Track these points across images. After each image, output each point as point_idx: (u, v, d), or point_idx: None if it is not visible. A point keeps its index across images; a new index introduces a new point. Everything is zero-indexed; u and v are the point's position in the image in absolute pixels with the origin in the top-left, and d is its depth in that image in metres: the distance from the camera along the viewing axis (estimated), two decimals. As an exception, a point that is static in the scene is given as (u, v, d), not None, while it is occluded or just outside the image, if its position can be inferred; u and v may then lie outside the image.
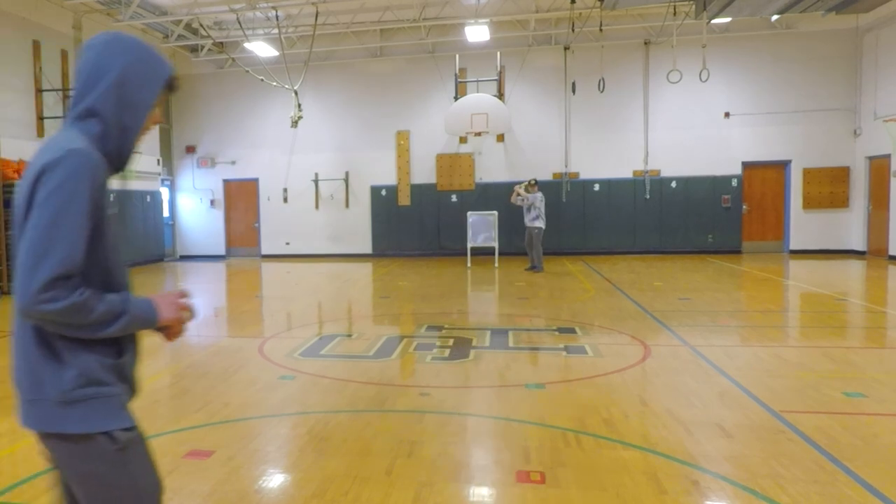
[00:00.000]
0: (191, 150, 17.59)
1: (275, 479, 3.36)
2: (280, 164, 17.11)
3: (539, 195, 12.32)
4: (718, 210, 15.53)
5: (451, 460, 3.53)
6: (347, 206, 16.93)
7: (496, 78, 14.97)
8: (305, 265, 15.33)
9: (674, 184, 15.64)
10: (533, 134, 15.99)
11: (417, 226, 16.54)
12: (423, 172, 16.48)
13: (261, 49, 14.70)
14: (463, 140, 15.81)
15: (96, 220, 1.50)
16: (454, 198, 16.32)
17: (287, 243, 17.14)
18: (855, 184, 14.98)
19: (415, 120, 16.44)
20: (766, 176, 15.65)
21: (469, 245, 13.66)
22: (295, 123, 14.97)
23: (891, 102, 13.46)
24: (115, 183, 1.58)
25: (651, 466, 3.38)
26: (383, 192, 16.69)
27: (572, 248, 15.85)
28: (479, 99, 14.14)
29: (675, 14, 12.38)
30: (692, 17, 12.05)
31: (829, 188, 15.11)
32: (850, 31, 14.75)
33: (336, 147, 16.77)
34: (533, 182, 12.63)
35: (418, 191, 16.50)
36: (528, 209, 12.36)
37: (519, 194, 12.52)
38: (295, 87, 14.28)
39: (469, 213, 13.89)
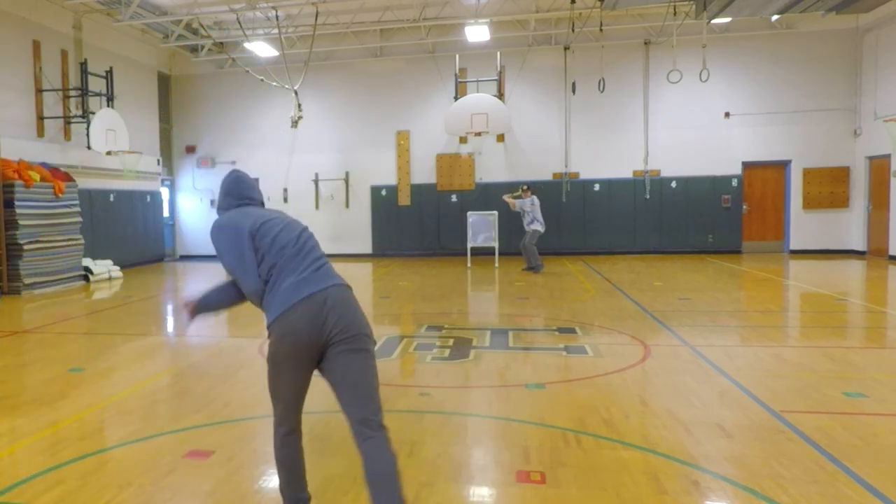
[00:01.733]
0: (191, 150, 17.60)
1: (275, 480, 3.34)
2: (280, 165, 17.11)
3: (528, 200, 12.38)
4: (718, 210, 15.53)
5: (451, 460, 3.54)
6: (347, 206, 16.94)
7: (496, 78, 14.97)
8: (305, 265, 15.30)
9: (674, 184, 15.64)
10: (533, 134, 15.99)
11: (417, 226, 16.54)
12: (423, 172, 16.49)
13: (261, 49, 14.70)
14: (463, 140, 15.81)
15: None
16: (454, 198, 16.32)
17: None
18: (855, 184, 14.98)
19: (415, 120, 16.44)
20: (766, 176, 15.65)
21: (469, 245, 13.66)
22: (295, 123, 14.98)
23: (891, 102, 13.46)
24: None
25: (651, 466, 3.38)
26: (383, 192, 16.69)
27: (572, 248, 15.86)
28: (479, 99, 14.14)
29: (675, 14, 12.38)
30: (692, 17, 12.04)
31: (829, 188, 15.11)
32: (850, 31, 14.75)
33: (336, 147, 16.77)
34: (524, 188, 12.73)
35: (418, 191, 16.50)
36: (523, 214, 12.43)
37: (508, 203, 12.66)
38: (295, 87, 14.28)
39: (469, 213, 13.89)
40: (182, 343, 7.30)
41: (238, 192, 2.85)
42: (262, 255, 2.62)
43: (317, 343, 2.50)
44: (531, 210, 12.35)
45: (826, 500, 2.98)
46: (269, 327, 2.55)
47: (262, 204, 2.92)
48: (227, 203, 2.85)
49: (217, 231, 2.72)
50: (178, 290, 11.96)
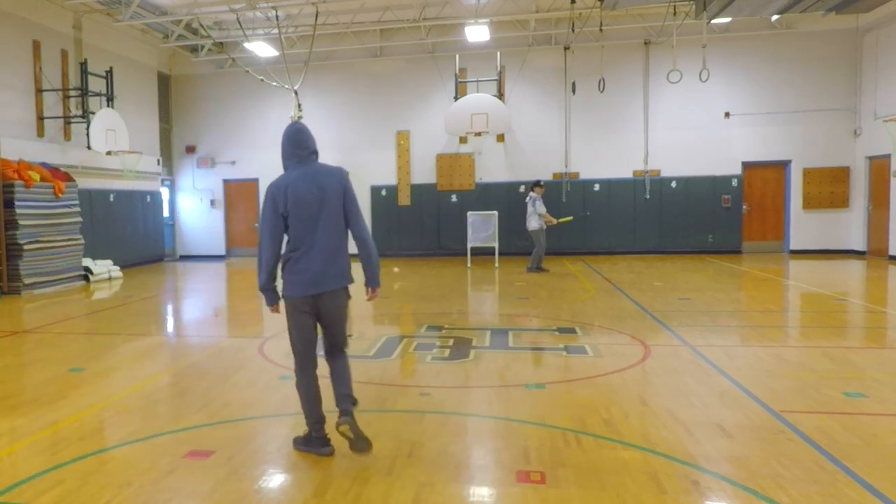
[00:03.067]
0: (191, 150, 17.59)
1: (275, 479, 3.36)
2: (280, 165, 17.06)
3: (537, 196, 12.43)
4: (718, 210, 15.52)
5: (451, 460, 3.54)
6: (347, 206, 16.90)
7: (496, 78, 14.97)
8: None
9: (674, 184, 15.64)
10: (533, 134, 15.99)
11: (417, 226, 16.54)
12: (423, 172, 16.49)
13: (261, 49, 14.70)
14: (463, 140, 15.81)
15: None
16: (454, 198, 16.32)
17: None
18: (855, 184, 14.98)
19: (415, 120, 16.44)
20: (766, 176, 15.65)
21: (469, 245, 13.66)
22: (295, 123, 14.94)
23: (891, 102, 13.46)
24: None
25: (651, 466, 3.38)
26: (383, 192, 16.69)
27: (572, 248, 15.85)
28: (479, 99, 14.13)
29: (675, 14, 12.38)
30: (692, 17, 12.04)
31: (829, 188, 15.11)
32: (850, 31, 14.75)
33: (336, 147, 16.75)
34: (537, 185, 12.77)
35: (418, 191, 16.50)
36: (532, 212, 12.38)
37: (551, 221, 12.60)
38: (295, 87, 14.27)
39: (469, 213, 13.89)
40: (182, 343, 7.30)
41: (297, 142, 3.61)
42: (288, 237, 3.59)
43: (313, 311, 3.58)
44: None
45: (826, 500, 2.98)
46: (282, 295, 3.57)
47: (316, 153, 3.65)
48: (287, 151, 3.63)
49: (266, 195, 3.60)
50: (177, 291, 11.95)
